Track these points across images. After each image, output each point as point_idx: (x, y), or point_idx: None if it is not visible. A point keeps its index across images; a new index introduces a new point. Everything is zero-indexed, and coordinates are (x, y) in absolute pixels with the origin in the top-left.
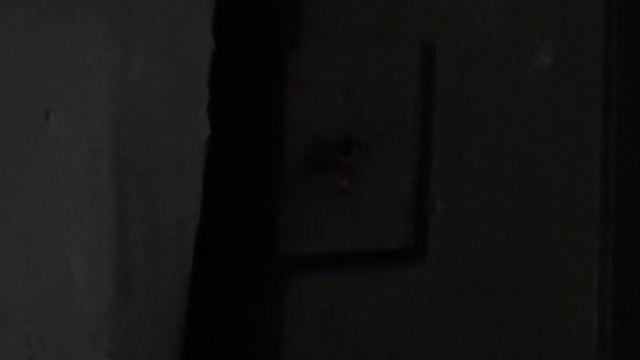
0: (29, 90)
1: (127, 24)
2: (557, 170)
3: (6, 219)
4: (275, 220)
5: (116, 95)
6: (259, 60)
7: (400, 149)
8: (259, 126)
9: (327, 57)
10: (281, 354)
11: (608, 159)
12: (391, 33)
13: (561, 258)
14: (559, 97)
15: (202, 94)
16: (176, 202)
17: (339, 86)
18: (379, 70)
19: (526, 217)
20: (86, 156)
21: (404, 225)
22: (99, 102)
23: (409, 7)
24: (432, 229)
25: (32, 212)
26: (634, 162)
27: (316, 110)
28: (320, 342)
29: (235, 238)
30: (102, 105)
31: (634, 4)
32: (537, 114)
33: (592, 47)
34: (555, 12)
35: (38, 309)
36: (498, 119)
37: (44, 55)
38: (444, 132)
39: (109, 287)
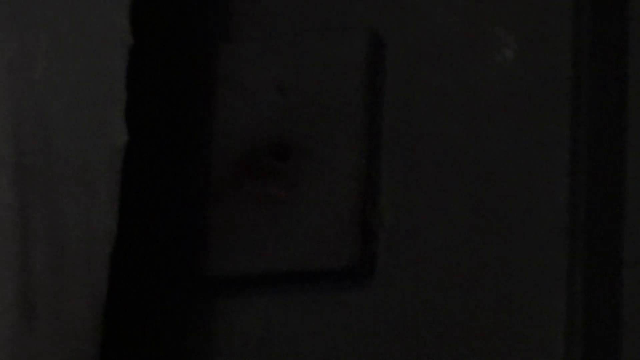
0: None
1: (29, 13)
2: (521, 179)
3: None
4: (201, 235)
5: (17, 95)
6: (183, 55)
7: (345, 155)
8: (183, 129)
9: (261, 50)
10: None
11: (577, 166)
12: (334, 23)
13: (524, 278)
14: (523, 97)
15: (117, 95)
16: (86, 216)
17: (275, 83)
18: (320, 65)
19: (486, 232)
20: None
21: (349, 242)
22: None
23: None
24: (381, 245)
25: None
26: (605, 169)
27: (248, 110)
28: None
29: (157, 256)
30: (1, 108)
31: None
32: (498, 116)
33: (560, 41)
34: (520, 0)
35: None
36: (455, 121)
37: None
38: (394, 135)
39: (9, 311)
